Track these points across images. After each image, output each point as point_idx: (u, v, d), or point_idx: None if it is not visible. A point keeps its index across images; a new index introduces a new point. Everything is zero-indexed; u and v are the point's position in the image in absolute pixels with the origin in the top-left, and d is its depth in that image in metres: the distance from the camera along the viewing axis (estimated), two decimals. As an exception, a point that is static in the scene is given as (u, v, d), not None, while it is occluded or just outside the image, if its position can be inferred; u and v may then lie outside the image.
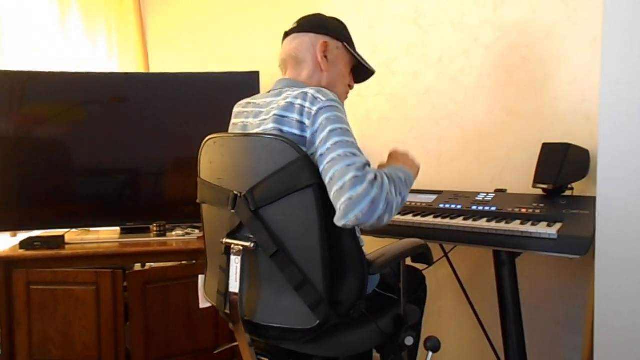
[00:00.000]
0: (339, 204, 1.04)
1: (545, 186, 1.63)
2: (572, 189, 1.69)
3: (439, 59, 2.09)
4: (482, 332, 2.05)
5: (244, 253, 1.15)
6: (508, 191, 1.88)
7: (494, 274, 1.64)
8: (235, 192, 1.15)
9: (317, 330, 1.11)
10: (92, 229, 2.39)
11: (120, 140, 2.29)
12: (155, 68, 2.76)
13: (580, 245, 1.34)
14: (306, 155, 1.08)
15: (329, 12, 2.37)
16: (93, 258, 2.09)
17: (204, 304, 1.36)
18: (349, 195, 1.03)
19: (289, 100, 1.16)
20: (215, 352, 2.10)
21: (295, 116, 1.14)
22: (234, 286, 1.15)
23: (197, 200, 1.31)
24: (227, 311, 1.20)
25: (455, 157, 2.08)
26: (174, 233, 2.31)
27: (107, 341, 2.04)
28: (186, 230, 2.34)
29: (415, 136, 2.20)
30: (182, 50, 2.80)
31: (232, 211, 1.16)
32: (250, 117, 1.29)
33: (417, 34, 2.14)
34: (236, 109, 1.39)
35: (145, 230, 2.33)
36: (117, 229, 2.37)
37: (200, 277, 1.40)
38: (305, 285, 1.10)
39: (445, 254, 1.96)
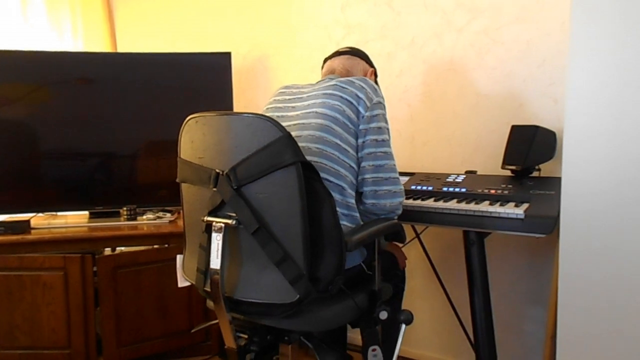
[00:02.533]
0: None
1: (513, 167, 1.69)
2: (539, 170, 1.76)
3: (411, 42, 2.12)
4: (452, 310, 2.12)
5: (225, 230, 1.15)
6: (478, 172, 1.94)
7: (464, 254, 1.69)
8: (217, 171, 1.15)
9: (296, 305, 1.14)
10: (59, 213, 2.33)
11: (88, 122, 2.23)
12: (123, 48, 2.69)
13: (545, 224, 1.40)
14: (289, 134, 1.09)
15: (303, -6, 2.36)
16: (61, 243, 2.05)
17: (182, 283, 1.35)
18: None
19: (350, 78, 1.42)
20: (192, 331, 2.10)
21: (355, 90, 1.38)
22: (215, 263, 1.15)
23: (177, 180, 1.30)
24: (207, 289, 1.20)
25: (428, 139, 2.12)
26: (145, 217, 2.27)
27: (76, 327, 2.00)
28: (157, 214, 2.31)
29: (388, 118, 2.23)
30: (150, 29, 2.73)
31: (214, 189, 1.16)
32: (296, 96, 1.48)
33: (390, 15, 2.16)
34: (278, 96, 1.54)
35: (115, 215, 2.29)
36: (86, 213, 2.32)
37: (179, 257, 1.39)
38: (286, 260, 1.12)
39: (417, 235, 2.00)
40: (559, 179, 1.61)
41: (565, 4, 1.77)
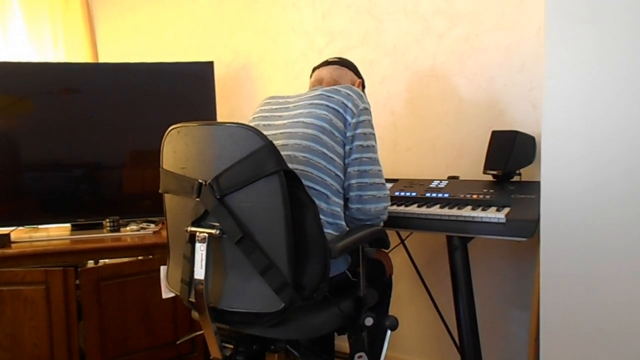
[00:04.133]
0: None
1: (494, 172, 1.71)
2: (520, 174, 1.78)
3: (393, 48, 2.14)
4: (437, 314, 2.13)
5: (209, 240, 1.15)
6: (461, 178, 1.96)
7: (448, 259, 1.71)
8: (200, 181, 1.15)
9: (282, 314, 1.14)
10: (40, 226, 2.29)
11: (70, 133, 2.21)
12: (104, 59, 2.67)
13: (526, 228, 1.42)
14: (271, 143, 1.10)
15: (285, 2, 2.39)
16: (42, 256, 2.01)
17: (166, 294, 1.34)
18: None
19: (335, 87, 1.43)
20: (178, 342, 2.08)
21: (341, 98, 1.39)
22: (200, 273, 1.15)
23: (160, 190, 1.29)
24: (192, 299, 1.19)
25: (411, 145, 2.14)
26: (128, 228, 2.25)
27: (59, 341, 1.97)
28: (141, 225, 2.29)
29: (371, 125, 2.25)
30: (132, 39, 2.72)
31: (197, 199, 1.16)
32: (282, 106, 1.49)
33: (371, 23, 2.18)
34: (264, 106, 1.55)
35: (98, 226, 2.26)
36: (68, 225, 2.28)
37: (162, 268, 1.38)
38: (270, 269, 1.12)
39: (402, 241, 2.02)
40: (539, 182, 1.64)
41: (541, 10, 1.81)
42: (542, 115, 1.32)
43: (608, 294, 1.27)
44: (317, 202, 1.27)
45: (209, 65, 2.33)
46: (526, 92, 1.86)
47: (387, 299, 1.65)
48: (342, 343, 2.23)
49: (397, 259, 2.20)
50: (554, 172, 1.32)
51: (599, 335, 1.28)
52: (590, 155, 1.27)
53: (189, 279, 1.19)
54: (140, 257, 2.12)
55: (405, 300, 2.23)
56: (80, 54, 2.57)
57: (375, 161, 1.41)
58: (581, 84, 1.27)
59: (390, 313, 1.64)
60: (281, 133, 1.38)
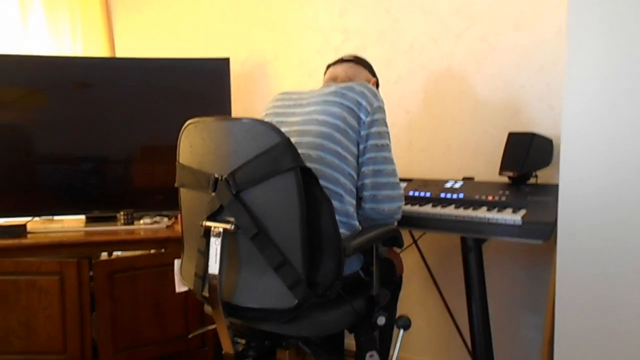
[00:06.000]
0: None
1: (510, 174, 1.70)
2: (536, 176, 1.76)
3: (410, 47, 2.13)
4: (448, 316, 2.12)
5: (224, 235, 1.15)
6: (476, 179, 1.94)
7: (461, 260, 1.69)
8: (216, 175, 1.15)
9: (295, 310, 1.13)
10: (55, 217, 2.32)
11: (86, 127, 2.23)
12: (121, 53, 2.69)
13: (543, 230, 1.41)
14: (288, 139, 1.09)
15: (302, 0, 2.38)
16: (57, 247, 2.04)
17: (180, 288, 1.35)
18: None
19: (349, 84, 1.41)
20: (190, 336, 2.09)
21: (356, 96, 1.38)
22: (214, 268, 1.15)
23: (176, 184, 1.30)
24: (205, 294, 1.20)
25: (426, 145, 2.13)
26: (142, 221, 2.27)
27: (72, 332, 1.99)
28: (155, 219, 2.30)
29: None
30: (149, 35, 2.74)
31: (213, 194, 1.16)
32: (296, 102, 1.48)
33: (388, 22, 2.17)
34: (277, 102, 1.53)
35: (112, 219, 2.28)
36: (83, 217, 2.31)
37: (176, 262, 1.39)
38: (284, 265, 1.12)
39: (414, 241, 2.01)
40: (556, 185, 1.62)
41: (561, 11, 1.79)
42: (561, 117, 1.31)
43: (626, 299, 1.25)
44: None
45: (225, 61, 2.33)
46: (544, 93, 1.84)
47: (396, 298, 1.64)
48: (352, 341, 2.23)
49: (409, 259, 2.19)
50: (573, 174, 1.30)
51: (616, 341, 1.27)
52: (610, 158, 1.25)
53: (203, 273, 1.20)
54: (153, 251, 2.14)
55: (417, 300, 2.22)
56: (97, 48, 2.59)
57: (389, 160, 1.40)
58: (601, 85, 1.25)
59: (399, 313, 1.63)
60: (294, 130, 1.38)
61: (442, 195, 1.74)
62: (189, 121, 1.23)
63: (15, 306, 1.97)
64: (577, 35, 1.27)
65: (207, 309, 1.30)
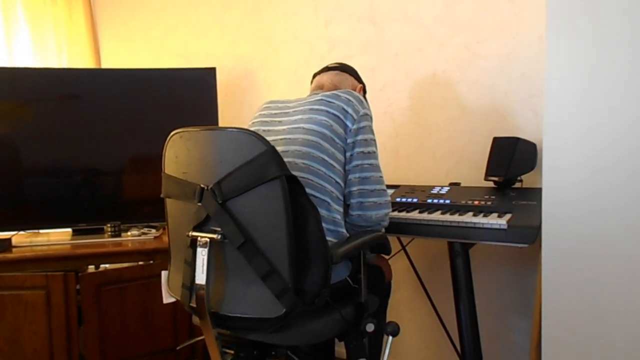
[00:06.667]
0: None
1: (496, 178, 1.72)
2: (521, 180, 1.78)
3: (394, 56, 2.15)
4: (438, 321, 2.13)
5: (211, 245, 1.15)
6: (462, 184, 1.96)
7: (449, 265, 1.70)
8: (202, 185, 1.15)
9: (283, 319, 1.13)
10: (41, 230, 2.30)
11: (72, 139, 2.21)
12: (107, 64, 2.68)
13: (528, 234, 1.42)
14: (273, 148, 1.10)
15: (287, 10, 2.41)
16: (43, 261, 2.01)
17: (167, 299, 1.34)
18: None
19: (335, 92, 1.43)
20: (178, 348, 2.07)
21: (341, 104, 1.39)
22: (201, 278, 1.15)
23: (162, 195, 1.29)
24: (193, 304, 1.19)
25: (412, 152, 2.14)
26: (129, 233, 2.25)
27: (59, 346, 1.96)
28: (142, 230, 2.29)
29: (372, 132, 2.25)
30: (135, 46, 2.73)
31: (199, 204, 1.16)
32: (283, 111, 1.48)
33: (373, 31, 2.20)
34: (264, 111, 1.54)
35: (99, 231, 2.26)
36: (69, 230, 2.29)
37: (164, 273, 1.38)
38: (272, 274, 1.12)
39: (403, 247, 2.01)
40: (541, 189, 1.64)
41: (542, 18, 1.82)
42: (542, 122, 1.33)
43: (610, 301, 1.26)
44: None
45: (212, 71, 2.34)
46: (527, 99, 1.87)
47: (385, 305, 1.64)
48: (342, 349, 2.22)
49: (398, 265, 2.19)
50: (555, 178, 1.32)
51: (601, 343, 1.28)
52: (592, 161, 1.27)
53: (190, 284, 1.19)
54: (140, 262, 2.12)
55: (406, 306, 2.22)
56: (83, 61, 2.58)
57: (376, 167, 1.41)
58: (582, 90, 1.27)
59: (388, 319, 1.63)
60: (281, 139, 1.38)
61: (429, 201, 1.75)
62: (174, 131, 1.23)
63: (0, 322, 1.94)
64: (557, 42, 1.29)
65: (195, 319, 1.30)
